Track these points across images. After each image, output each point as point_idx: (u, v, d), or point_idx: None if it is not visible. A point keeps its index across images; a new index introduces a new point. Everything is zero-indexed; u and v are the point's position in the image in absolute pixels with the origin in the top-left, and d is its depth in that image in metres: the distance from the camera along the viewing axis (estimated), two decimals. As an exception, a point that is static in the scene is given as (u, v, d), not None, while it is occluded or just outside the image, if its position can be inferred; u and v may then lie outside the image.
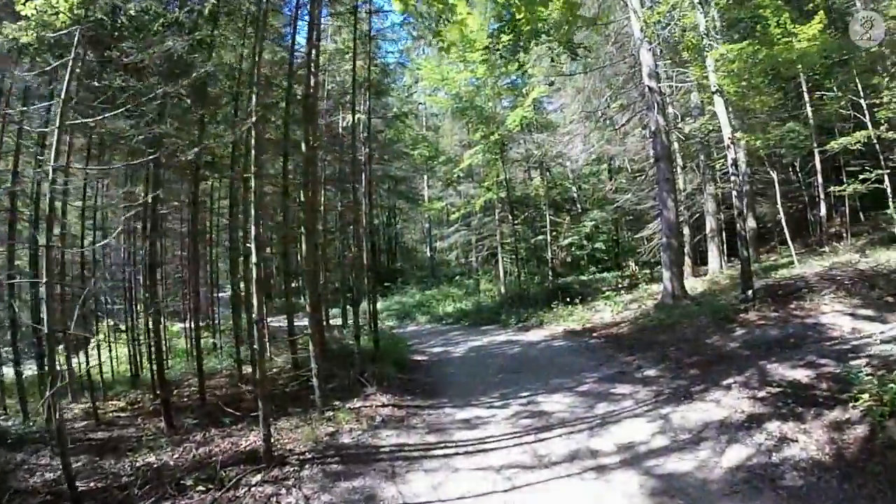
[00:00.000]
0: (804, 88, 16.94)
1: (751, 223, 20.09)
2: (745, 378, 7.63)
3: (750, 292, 11.69)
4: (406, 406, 7.59)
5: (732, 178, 12.09)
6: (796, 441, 5.52)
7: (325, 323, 15.29)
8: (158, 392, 9.45)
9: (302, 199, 6.85)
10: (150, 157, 5.68)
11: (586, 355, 10.33)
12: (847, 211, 18.98)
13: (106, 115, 5.44)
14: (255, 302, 5.53)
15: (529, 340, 12.84)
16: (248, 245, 5.46)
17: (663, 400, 7.16)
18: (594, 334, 12.34)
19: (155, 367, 9.53)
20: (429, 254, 30.56)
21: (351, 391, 8.14)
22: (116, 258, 15.96)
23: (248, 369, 11.72)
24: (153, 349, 9.61)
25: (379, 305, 23.89)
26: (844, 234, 18.55)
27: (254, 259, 5.44)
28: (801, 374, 7.46)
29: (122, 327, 13.93)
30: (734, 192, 12.05)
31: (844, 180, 17.99)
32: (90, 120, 5.48)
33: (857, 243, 17.24)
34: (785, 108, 17.62)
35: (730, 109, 12.39)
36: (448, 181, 22.49)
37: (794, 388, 7.01)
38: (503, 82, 19.68)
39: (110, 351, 13.26)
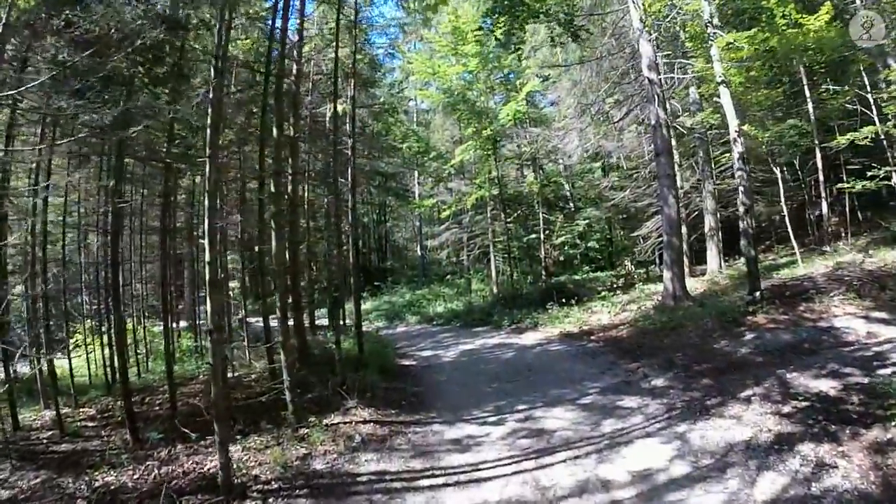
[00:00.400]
0: (805, 83, 16.22)
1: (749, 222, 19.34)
2: (765, 390, 6.85)
3: (757, 293, 10.92)
4: (389, 422, 6.67)
5: (739, 172, 11.29)
6: (836, 467, 4.75)
7: (311, 323, 14.40)
8: (122, 403, 8.64)
9: (273, 190, 5.94)
10: (87, 134, 4.69)
11: (586, 361, 9.46)
12: (847, 210, 18.29)
13: (28, 87, 4.48)
14: (208, 308, 4.60)
15: (524, 344, 11.95)
16: (201, 241, 4.54)
17: (677, 415, 6.33)
18: (592, 337, 11.49)
19: (120, 375, 8.65)
20: (419, 252, 29.54)
21: (329, 404, 7.23)
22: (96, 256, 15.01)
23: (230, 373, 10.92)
24: (115, 356, 8.70)
25: (368, 305, 23.12)
26: (843, 234, 17.90)
27: (206, 257, 4.54)
28: (827, 386, 6.73)
29: (102, 329, 13.12)
30: (741, 188, 11.24)
31: (844, 178, 17.38)
32: (12, 92, 4.54)
33: (856, 243, 16.63)
34: (781, 106, 16.93)
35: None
36: (439, 178, 21.51)
37: (822, 402, 6.27)
38: (496, 76, 18.79)
39: (88, 353, 12.42)
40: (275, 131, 6.24)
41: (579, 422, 6.35)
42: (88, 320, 13.80)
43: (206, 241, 4.53)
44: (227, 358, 8.51)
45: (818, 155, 16.96)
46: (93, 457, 6.76)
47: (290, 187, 10.11)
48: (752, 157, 18.99)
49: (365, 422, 6.57)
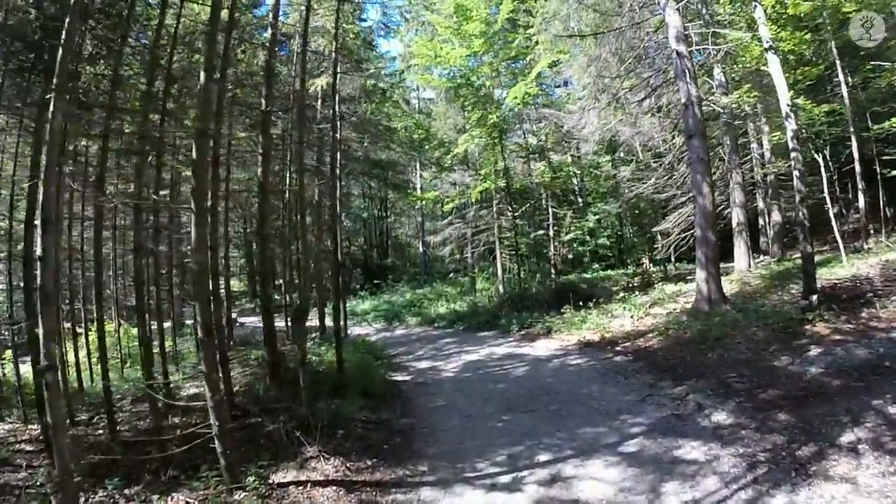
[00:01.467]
0: (838, 64, 14.22)
1: (776, 217, 17.35)
2: (871, 432, 4.93)
3: (814, 297, 8.90)
4: (361, 483, 4.60)
5: (793, 154, 9.22)
6: None
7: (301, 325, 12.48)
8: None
9: (195, 157, 3.98)
10: None
11: (617, 382, 7.39)
12: (882, 206, 16.29)
13: None
14: (40, 333, 2.64)
15: (537, 355, 9.88)
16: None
17: (765, 476, 4.35)
18: (617, 348, 9.45)
19: (38, 400, 6.85)
20: (421, 249, 27.38)
21: (285, 449, 5.21)
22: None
23: (193, 388, 9.04)
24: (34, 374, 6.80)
25: (367, 305, 21.09)
26: (872, 231, 15.95)
27: (38, 249, 2.57)
28: (953, 425, 4.79)
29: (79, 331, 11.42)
30: (795, 172, 9.17)
31: (878, 170, 15.48)
32: None
33: (890, 240, 14.68)
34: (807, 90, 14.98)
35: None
36: (441, 166, 19.30)
37: (961, 453, 4.34)
38: (503, 59, 16.67)
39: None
40: (202, 76, 4.26)
41: (629, 486, 4.33)
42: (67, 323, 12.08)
43: (38, 223, 2.57)
44: (157, 384, 6.57)
45: (854, 143, 14.99)
46: (12, 495, 5.32)
47: (259, 170, 8.19)
48: (779, 148, 17.09)
49: (326, 482, 4.53)
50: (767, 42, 9.30)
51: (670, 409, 6.01)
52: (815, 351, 7.39)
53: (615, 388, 7.01)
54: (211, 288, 7.71)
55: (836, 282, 10.97)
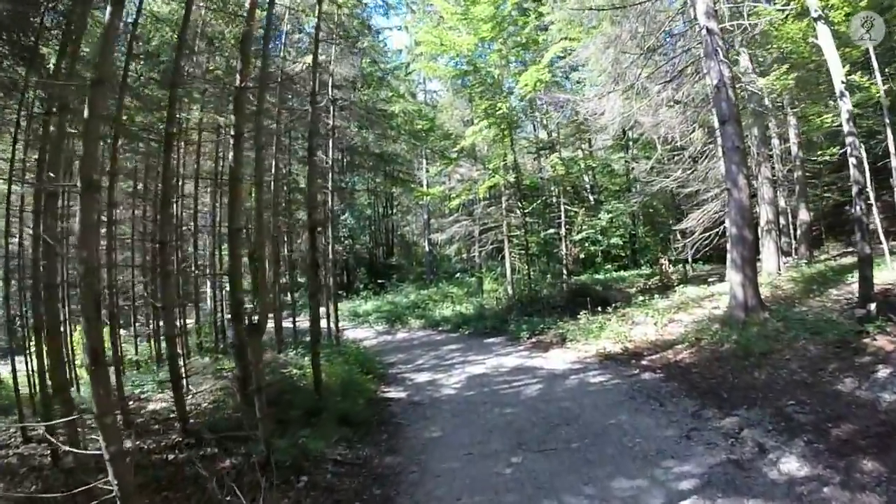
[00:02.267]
0: (871, 48, 12.74)
1: (803, 216, 15.84)
2: None
3: (872, 306, 7.50)
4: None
5: (849, 139, 7.81)
6: None
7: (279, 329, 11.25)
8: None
9: (94, 106, 2.76)
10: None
11: (651, 409, 5.96)
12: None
13: None
14: None
15: (552, 369, 8.45)
16: None
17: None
18: (643, 362, 8.06)
19: None
20: (427, 248, 25.91)
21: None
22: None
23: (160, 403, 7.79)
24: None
25: (369, 306, 19.76)
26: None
27: None
28: None
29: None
30: (852, 160, 7.75)
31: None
32: None
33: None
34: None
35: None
36: (448, 159, 17.85)
37: None
38: (513, 45, 15.28)
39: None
40: (107, 10, 2.99)
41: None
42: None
43: None
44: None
45: (889, 135, 13.45)
46: None
47: (231, 154, 6.95)
48: (805, 144, 15.68)
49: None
50: (816, 11, 7.92)
51: (724, 450, 4.64)
52: (883, 371, 6.00)
53: (649, 419, 5.62)
54: (174, 293, 6.48)
55: (889, 287, 9.56)
